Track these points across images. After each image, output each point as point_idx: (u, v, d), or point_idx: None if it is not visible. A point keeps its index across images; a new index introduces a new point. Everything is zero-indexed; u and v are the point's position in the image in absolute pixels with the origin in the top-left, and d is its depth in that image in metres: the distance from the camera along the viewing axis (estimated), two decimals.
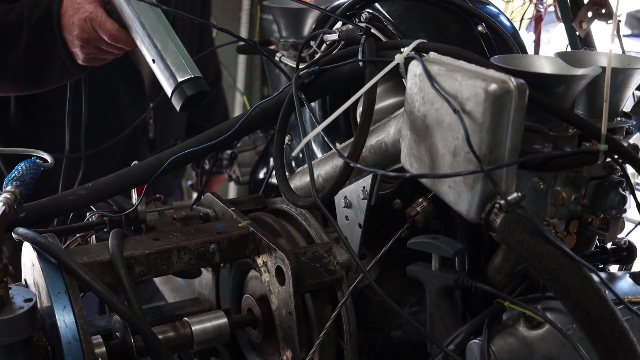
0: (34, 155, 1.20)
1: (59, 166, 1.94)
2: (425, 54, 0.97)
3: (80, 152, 1.93)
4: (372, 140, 1.10)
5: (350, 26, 1.23)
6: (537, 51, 2.36)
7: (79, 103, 1.93)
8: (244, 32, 3.91)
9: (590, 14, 1.80)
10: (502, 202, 0.87)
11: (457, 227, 1.13)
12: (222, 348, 1.42)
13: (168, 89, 1.47)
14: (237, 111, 3.95)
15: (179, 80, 1.44)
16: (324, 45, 1.31)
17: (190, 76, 1.45)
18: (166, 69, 1.48)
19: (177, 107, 1.45)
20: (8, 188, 1.06)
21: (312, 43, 1.34)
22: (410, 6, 1.27)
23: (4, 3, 1.87)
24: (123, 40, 1.62)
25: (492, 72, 0.87)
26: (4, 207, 0.97)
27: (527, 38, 2.26)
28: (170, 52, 1.49)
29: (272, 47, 1.81)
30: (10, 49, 1.80)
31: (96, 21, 1.64)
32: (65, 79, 1.86)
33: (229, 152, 1.83)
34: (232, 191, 3.76)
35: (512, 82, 0.85)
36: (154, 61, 1.51)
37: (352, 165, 0.97)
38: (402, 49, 1.00)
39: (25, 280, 1.22)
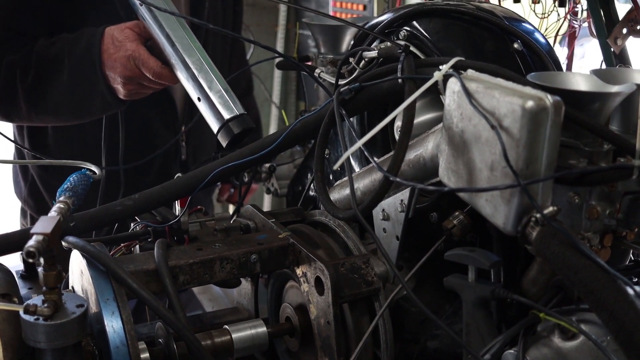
0: (84, 167, 1.25)
1: (96, 184, 2.00)
2: (463, 71, 1.00)
3: (119, 167, 1.99)
4: (410, 155, 1.13)
5: (388, 44, 1.27)
6: (570, 67, 2.37)
7: (114, 126, 1.98)
8: (279, 47, 3.97)
9: (625, 31, 1.81)
10: (538, 215, 0.90)
11: (493, 239, 1.15)
12: (261, 356, 1.45)
13: (215, 126, 1.54)
14: (273, 124, 4.00)
15: (226, 118, 1.51)
16: (363, 61, 1.35)
17: (236, 114, 1.52)
18: (212, 107, 1.55)
19: (224, 143, 1.53)
20: (61, 198, 1.11)
21: (351, 60, 1.38)
22: (447, 24, 1.30)
23: (41, 36, 1.92)
24: (167, 77, 1.67)
25: (529, 90, 0.90)
26: (58, 217, 1.01)
27: (561, 53, 2.27)
28: (216, 91, 1.55)
29: (310, 62, 1.84)
30: (52, 84, 1.85)
31: (139, 59, 1.69)
32: (106, 112, 1.91)
33: (267, 165, 1.87)
34: (267, 203, 3.80)
35: (549, 99, 0.88)
36: (199, 99, 1.58)
37: (391, 179, 1.00)
38: (440, 67, 1.03)
39: (72, 288, 1.26)
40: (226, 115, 1.53)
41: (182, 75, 1.62)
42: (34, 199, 2.28)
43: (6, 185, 2.54)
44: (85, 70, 1.79)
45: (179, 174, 1.41)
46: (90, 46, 1.78)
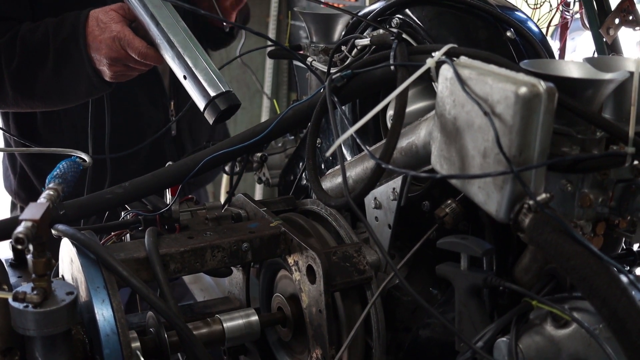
0: (74, 155, 1.24)
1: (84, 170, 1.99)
2: (455, 58, 1.00)
3: (107, 155, 1.98)
4: (402, 143, 1.12)
5: (381, 31, 1.26)
6: (562, 57, 2.38)
7: (101, 108, 1.98)
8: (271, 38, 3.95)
9: (617, 21, 1.81)
10: (531, 202, 0.89)
11: (485, 227, 1.15)
12: (252, 346, 1.45)
13: (201, 103, 1.54)
14: (265, 115, 3.99)
15: (212, 95, 1.51)
16: (355, 49, 1.34)
17: (222, 91, 1.52)
18: (198, 84, 1.54)
19: (211, 120, 1.53)
20: (51, 185, 1.10)
21: (343, 48, 1.38)
22: (440, 12, 1.30)
23: (25, 20, 1.91)
24: (152, 57, 1.68)
25: (522, 76, 0.90)
26: (48, 204, 1.00)
27: (553, 45, 2.27)
28: (201, 68, 1.55)
29: (302, 52, 1.84)
30: (38, 68, 1.85)
31: (124, 40, 1.69)
32: (92, 95, 1.91)
33: (259, 154, 1.86)
34: (258, 193, 3.80)
35: (542, 85, 0.87)
36: (185, 77, 1.58)
37: (383, 166, 0.99)
38: (433, 53, 1.02)
39: (62, 276, 1.26)
40: (212, 92, 1.52)
41: (167, 55, 1.63)
42: (25, 190, 2.28)
43: None
44: (70, 53, 1.79)
45: (169, 162, 1.40)
46: (75, 29, 1.78)
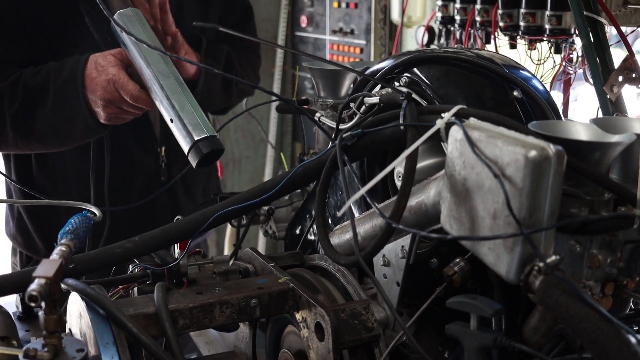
0: (85, 209, 1.25)
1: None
2: (465, 119, 1.01)
3: (106, 207, 2.02)
4: (412, 202, 1.13)
5: (390, 90, 1.28)
6: (566, 112, 2.40)
7: (94, 153, 2.03)
8: (276, 89, 4.00)
9: (620, 78, 1.84)
10: (541, 264, 0.90)
11: (494, 286, 1.15)
12: None
13: (185, 146, 1.59)
14: (269, 165, 4.01)
15: (196, 138, 1.55)
16: (364, 107, 1.36)
17: (206, 135, 1.56)
18: (183, 128, 1.60)
19: (194, 163, 1.58)
20: (63, 241, 1.10)
21: (351, 104, 1.40)
22: (447, 71, 1.32)
23: (27, 64, 1.96)
24: (143, 101, 1.73)
25: (531, 139, 0.91)
26: (60, 261, 1.01)
27: (555, 96, 2.30)
28: (188, 113, 1.61)
29: (309, 106, 1.86)
30: (37, 109, 1.90)
31: (119, 83, 1.75)
32: (88, 137, 1.95)
33: (265, 207, 1.87)
34: (262, 244, 3.79)
35: (551, 148, 0.89)
36: (172, 121, 1.63)
37: (394, 225, 1.00)
38: (442, 114, 1.04)
39: (70, 330, 1.26)
40: (196, 136, 1.57)
41: (157, 98, 1.69)
42: (22, 235, 2.29)
43: None
44: (68, 94, 1.85)
45: (178, 217, 1.41)
46: (74, 71, 1.85)
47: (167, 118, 1.65)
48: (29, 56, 2.00)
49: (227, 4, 2.44)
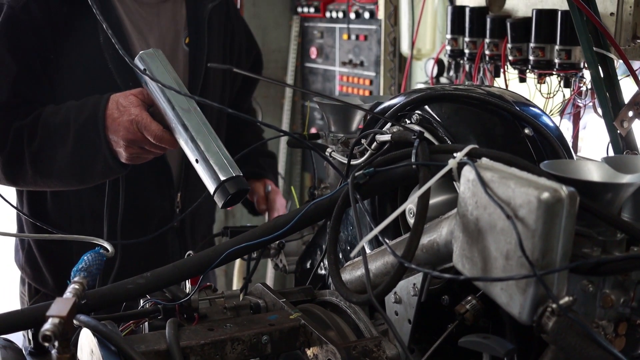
0: (97, 245, 1.26)
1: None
2: (477, 159, 1.02)
3: (118, 240, 2.02)
4: (424, 240, 1.13)
5: (401, 128, 1.29)
6: (575, 145, 2.41)
7: (110, 193, 2.03)
8: (286, 120, 4.02)
9: (631, 114, 1.84)
10: (554, 305, 0.90)
11: (506, 326, 1.15)
12: None
13: (211, 187, 1.59)
14: None
15: (222, 179, 1.55)
16: (375, 143, 1.37)
17: (232, 175, 1.55)
18: (209, 168, 1.59)
19: (220, 204, 1.57)
20: (76, 279, 1.11)
21: (363, 141, 1.40)
22: (458, 109, 1.33)
23: (48, 102, 1.98)
24: (167, 141, 1.73)
25: (544, 181, 0.91)
26: (74, 299, 1.02)
27: (563, 126, 2.30)
28: (213, 153, 1.60)
29: (319, 140, 1.87)
30: (57, 148, 1.90)
31: (141, 123, 1.75)
32: (108, 176, 1.96)
33: (276, 241, 1.88)
34: (270, 277, 3.79)
35: (564, 190, 0.89)
36: (197, 161, 1.63)
37: (406, 265, 1.01)
38: (454, 154, 1.04)
39: None
40: (222, 176, 1.57)
41: (181, 138, 1.68)
42: (31, 267, 2.30)
43: (7, 253, 2.56)
44: (89, 134, 1.85)
45: (190, 252, 1.41)
46: (95, 111, 1.85)
47: (192, 158, 1.65)
48: (52, 98, 2.02)
49: (247, 54, 2.50)
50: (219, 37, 2.32)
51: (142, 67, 1.73)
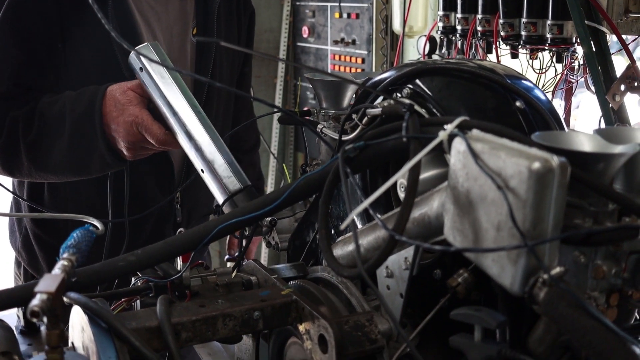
0: (87, 223, 1.25)
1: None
2: (468, 131, 1.01)
3: (124, 219, 1.99)
4: (415, 213, 1.13)
5: (392, 102, 1.28)
6: (568, 121, 2.40)
7: (111, 185, 2.01)
8: (278, 99, 4.01)
9: (623, 87, 1.84)
10: (545, 276, 0.90)
11: (498, 298, 1.15)
12: None
13: (220, 198, 1.59)
14: (272, 175, 4.01)
15: (231, 191, 1.59)
16: (366, 118, 1.36)
17: (240, 187, 1.59)
18: (217, 179, 1.59)
19: None
20: (65, 255, 1.10)
21: (354, 116, 1.39)
22: (449, 82, 1.32)
23: (47, 90, 1.94)
24: (171, 143, 1.70)
25: (534, 151, 0.91)
26: (62, 275, 1.01)
27: (556, 104, 2.30)
28: (219, 164, 1.60)
29: (311, 117, 1.86)
30: (53, 141, 1.86)
31: (142, 125, 1.70)
32: (105, 171, 1.92)
33: (268, 219, 1.86)
34: (264, 255, 3.79)
35: (555, 160, 0.89)
36: (202, 171, 1.60)
37: (397, 238, 1.00)
38: (445, 126, 1.03)
39: (72, 343, 1.25)
40: (231, 188, 1.58)
41: (185, 145, 1.65)
42: (27, 252, 2.28)
43: (2, 232, 2.55)
44: (85, 130, 1.81)
45: (181, 229, 1.41)
46: (91, 106, 1.79)
47: (197, 167, 1.64)
48: (56, 87, 1.98)
49: (250, 30, 2.49)
50: (227, 29, 2.29)
51: (139, 65, 1.70)
